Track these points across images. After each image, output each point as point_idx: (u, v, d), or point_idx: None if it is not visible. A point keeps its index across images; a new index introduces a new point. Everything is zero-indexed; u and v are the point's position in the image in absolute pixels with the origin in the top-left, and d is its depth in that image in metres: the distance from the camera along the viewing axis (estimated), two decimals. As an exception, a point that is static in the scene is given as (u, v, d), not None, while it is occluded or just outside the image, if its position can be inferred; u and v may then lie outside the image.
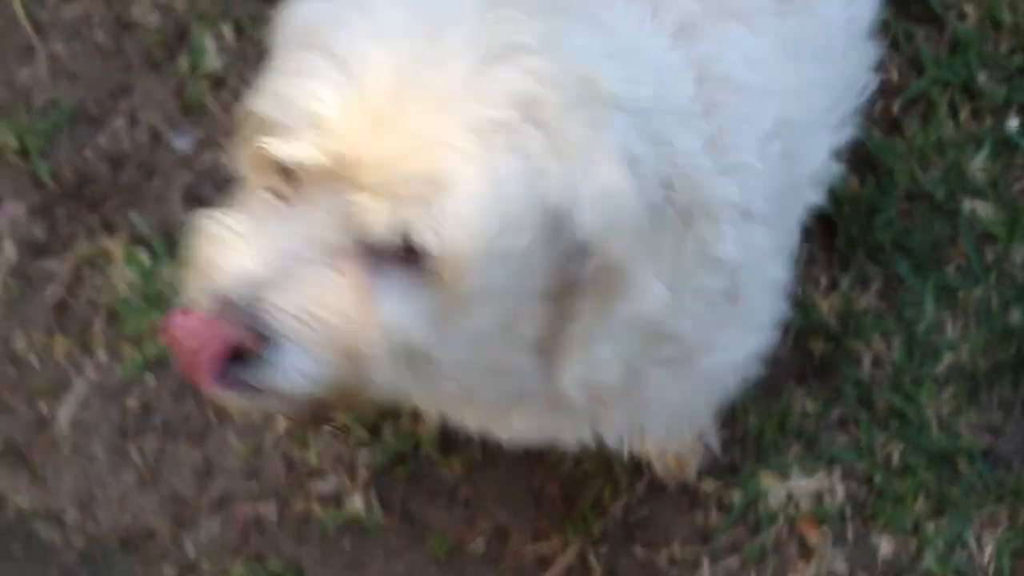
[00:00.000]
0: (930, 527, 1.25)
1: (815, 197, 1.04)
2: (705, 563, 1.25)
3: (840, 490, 1.27)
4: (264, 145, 0.68)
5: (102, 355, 1.31)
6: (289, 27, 0.78)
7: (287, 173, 0.69)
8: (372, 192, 0.66)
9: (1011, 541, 1.24)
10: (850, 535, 1.25)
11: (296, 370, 0.69)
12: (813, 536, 1.24)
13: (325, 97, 0.66)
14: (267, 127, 0.69)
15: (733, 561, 1.26)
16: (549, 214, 0.70)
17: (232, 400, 0.72)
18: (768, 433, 1.28)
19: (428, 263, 0.67)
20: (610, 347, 0.79)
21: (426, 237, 0.65)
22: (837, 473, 1.27)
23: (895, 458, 1.25)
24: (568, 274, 0.74)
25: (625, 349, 0.80)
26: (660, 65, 0.79)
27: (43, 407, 1.32)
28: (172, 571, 1.29)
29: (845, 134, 1.07)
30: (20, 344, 1.31)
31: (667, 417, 1.05)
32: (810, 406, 1.30)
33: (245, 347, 0.67)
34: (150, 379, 1.33)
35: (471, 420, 1.03)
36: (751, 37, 0.88)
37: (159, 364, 1.34)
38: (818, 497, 1.25)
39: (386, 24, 0.68)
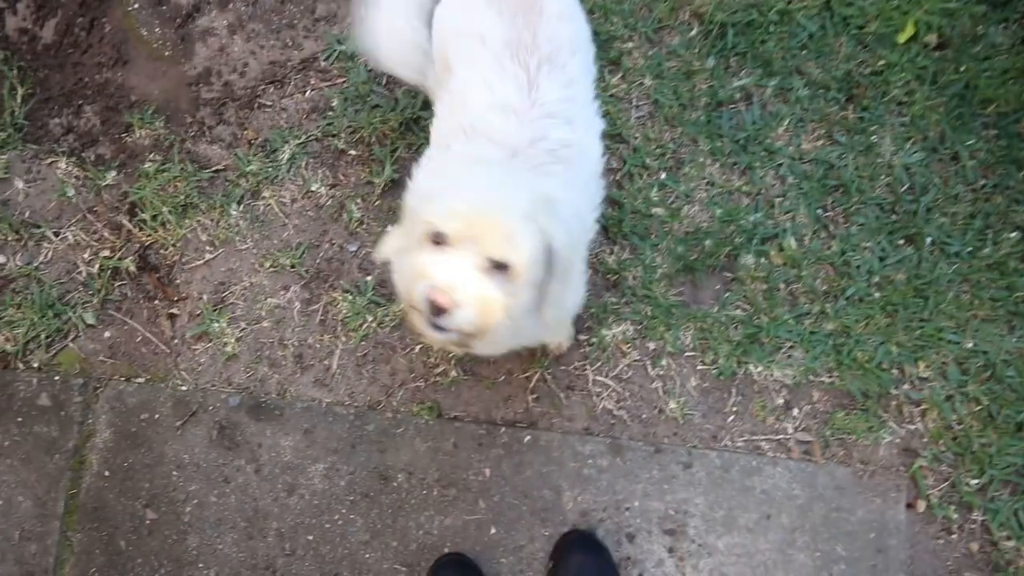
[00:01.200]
0: (666, 335, 1.54)
1: (591, 232, 1.23)
2: (588, 368, 1.55)
3: (631, 329, 1.56)
4: (433, 227, 0.88)
5: (345, 336, 1.65)
6: (417, 191, 1.01)
7: (438, 239, 0.89)
8: (490, 243, 0.87)
9: (695, 333, 1.54)
10: (637, 344, 1.56)
11: (463, 320, 0.88)
12: (624, 348, 1.54)
13: (460, 210, 0.88)
14: (433, 224, 0.89)
15: (599, 364, 1.55)
16: (547, 250, 0.92)
17: (432, 336, 0.92)
18: (598, 313, 1.55)
19: (510, 272, 0.88)
20: (564, 300, 1.05)
21: (513, 261, 0.88)
22: (628, 323, 1.56)
23: (649, 313, 1.55)
24: (548, 271, 0.95)
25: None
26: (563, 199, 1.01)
27: (325, 363, 1.60)
28: (391, 415, 1.54)
29: (599, 211, 1.24)
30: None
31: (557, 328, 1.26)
32: (611, 300, 1.55)
33: (445, 307, 0.87)
34: (366, 343, 1.61)
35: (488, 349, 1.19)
36: (557, 180, 1.08)
37: (365, 339, 1.60)
38: (623, 333, 1.55)
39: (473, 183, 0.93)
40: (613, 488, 1.55)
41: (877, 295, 1.60)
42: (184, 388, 1.67)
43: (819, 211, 1.63)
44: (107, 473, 1.67)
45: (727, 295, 1.62)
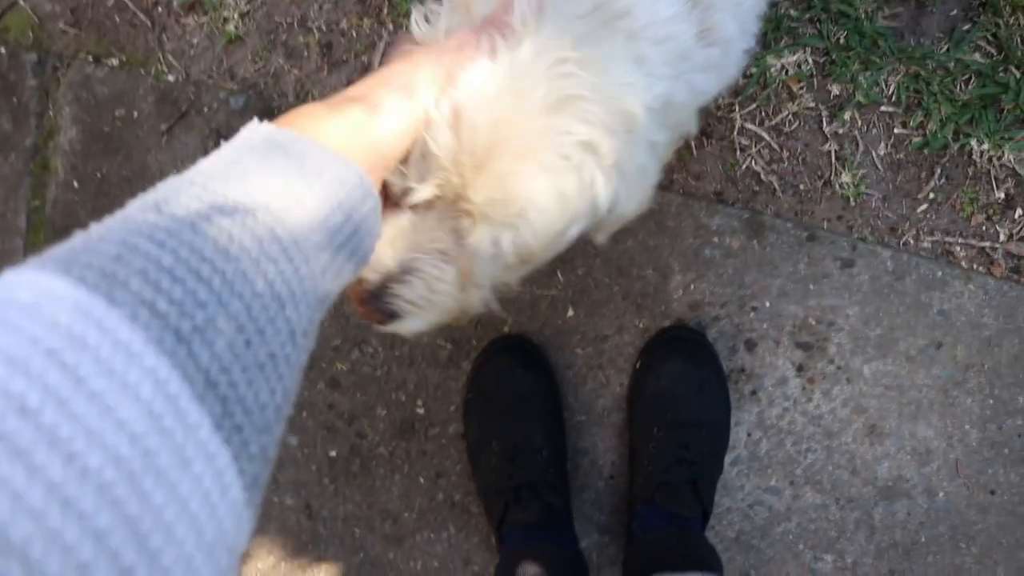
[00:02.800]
0: (860, 77, 1.11)
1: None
2: (736, 109, 1.13)
3: (810, 60, 1.12)
4: (400, 181, 0.56)
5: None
6: None
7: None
8: (474, 216, 0.55)
9: (903, 81, 1.10)
10: (815, 85, 1.13)
11: (408, 327, 0.61)
12: (795, 87, 1.12)
13: (442, 147, 0.53)
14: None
15: (754, 106, 1.12)
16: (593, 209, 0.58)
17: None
18: (769, 33, 1.11)
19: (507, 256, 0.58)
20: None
21: (509, 249, 0.56)
22: (808, 51, 1.12)
23: (842, 40, 1.11)
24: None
25: None
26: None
27: (363, 60, 1.20)
28: None
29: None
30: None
31: None
32: (793, 13, 1.11)
33: (380, 319, 0.59)
34: None
35: None
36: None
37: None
38: (798, 65, 1.12)
39: (482, 91, 0.53)
40: (741, 278, 1.16)
41: None
42: (171, 78, 1.26)
43: None
44: (76, 184, 1.33)
45: (966, 28, 1.11)
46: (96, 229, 0.36)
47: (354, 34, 1.19)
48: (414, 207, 0.56)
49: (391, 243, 0.56)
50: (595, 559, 1.20)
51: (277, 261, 0.38)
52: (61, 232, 1.34)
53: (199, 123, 1.26)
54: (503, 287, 0.61)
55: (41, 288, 0.30)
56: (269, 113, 1.22)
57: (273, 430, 0.36)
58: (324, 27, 1.20)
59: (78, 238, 0.35)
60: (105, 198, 1.31)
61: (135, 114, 1.28)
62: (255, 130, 0.45)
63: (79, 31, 1.29)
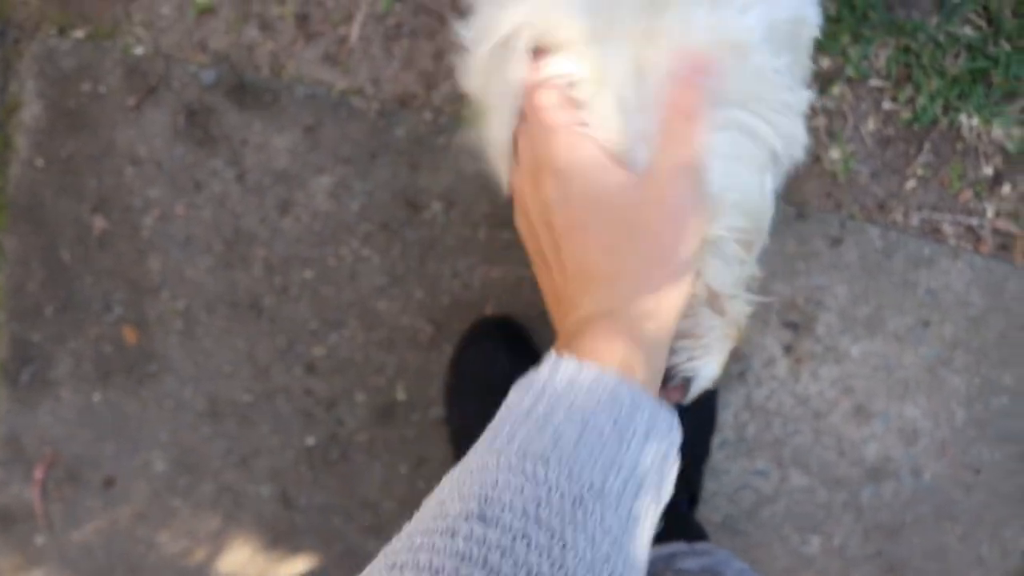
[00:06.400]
0: (850, 50, 1.07)
1: None
2: None
3: None
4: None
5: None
6: None
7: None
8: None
9: (893, 55, 1.07)
10: None
11: (705, 381, 0.59)
12: None
13: None
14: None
15: None
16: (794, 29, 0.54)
17: None
18: None
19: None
20: None
21: (734, 246, 0.55)
22: None
23: (834, 14, 1.05)
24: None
25: None
26: None
27: (340, 32, 1.12)
28: (430, 116, 1.11)
29: None
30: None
31: None
32: None
33: (678, 396, 0.57)
34: (403, 7, 1.12)
35: None
36: None
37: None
38: None
39: None
40: (729, 258, 1.13)
41: None
42: (139, 51, 1.19)
43: None
44: (41, 162, 1.26)
45: (957, 1, 1.08)
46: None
47: (331, 4, 1.13)
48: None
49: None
50: (581, 544, 1.16)
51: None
52: (25, 213, 1.28)
53: (169, 98, 1.19)
54: (751, 280, 0.58)
55: None
56: (243, 89, 1.17)
57: None
58: (299, -3, 1.14)
59: None
60: (71, 176, 1.25)
61: (102, 89, 1.22)
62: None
63: (42, 0, 1.22)
